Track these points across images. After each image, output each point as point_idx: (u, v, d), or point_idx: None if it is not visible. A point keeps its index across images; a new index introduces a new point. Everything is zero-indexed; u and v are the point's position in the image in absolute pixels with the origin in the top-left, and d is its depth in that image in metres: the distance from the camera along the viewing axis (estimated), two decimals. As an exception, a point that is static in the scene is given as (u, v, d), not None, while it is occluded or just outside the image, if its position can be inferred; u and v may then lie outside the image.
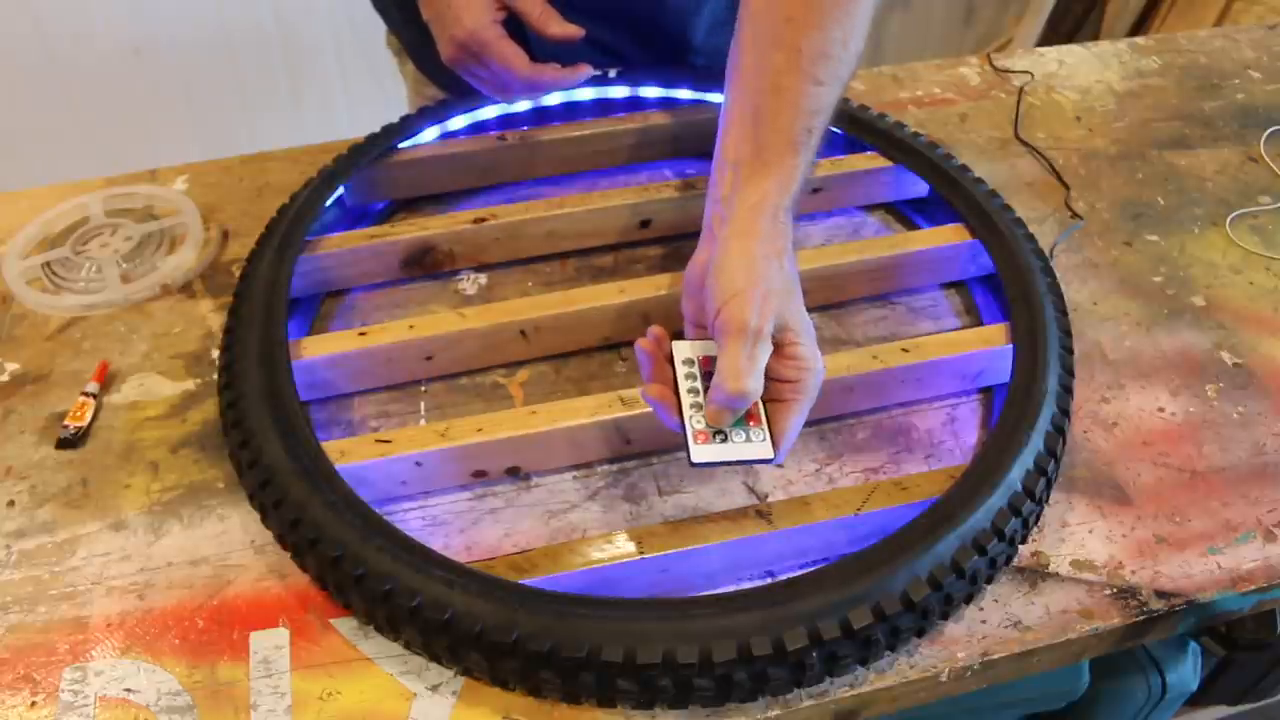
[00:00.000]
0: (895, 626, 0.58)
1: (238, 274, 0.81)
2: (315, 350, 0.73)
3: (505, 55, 0.75)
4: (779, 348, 0.57)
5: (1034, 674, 0.65)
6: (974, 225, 0.82)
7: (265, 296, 0.73)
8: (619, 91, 0.94)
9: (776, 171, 0.60)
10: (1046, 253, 0.84)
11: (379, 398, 0.76)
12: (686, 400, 0.58)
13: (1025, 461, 0.64)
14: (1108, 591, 0.64)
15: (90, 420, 0.73)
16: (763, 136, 0.61)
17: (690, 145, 0.94)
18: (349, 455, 0.66)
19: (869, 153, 0.90)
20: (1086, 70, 1.10)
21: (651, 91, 0.95)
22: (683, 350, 0.60)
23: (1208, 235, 0.90)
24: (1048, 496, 0.67)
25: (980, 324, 0.81)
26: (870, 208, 0.92)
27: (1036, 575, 0.65)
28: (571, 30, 0.77)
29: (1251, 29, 1.18)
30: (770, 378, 0.57)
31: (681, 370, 0.59)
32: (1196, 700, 1.13)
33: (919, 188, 0.90)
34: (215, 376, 0.75)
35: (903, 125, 0.91)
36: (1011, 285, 0.76)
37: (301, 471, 0.62)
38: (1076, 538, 0.67)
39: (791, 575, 0.59)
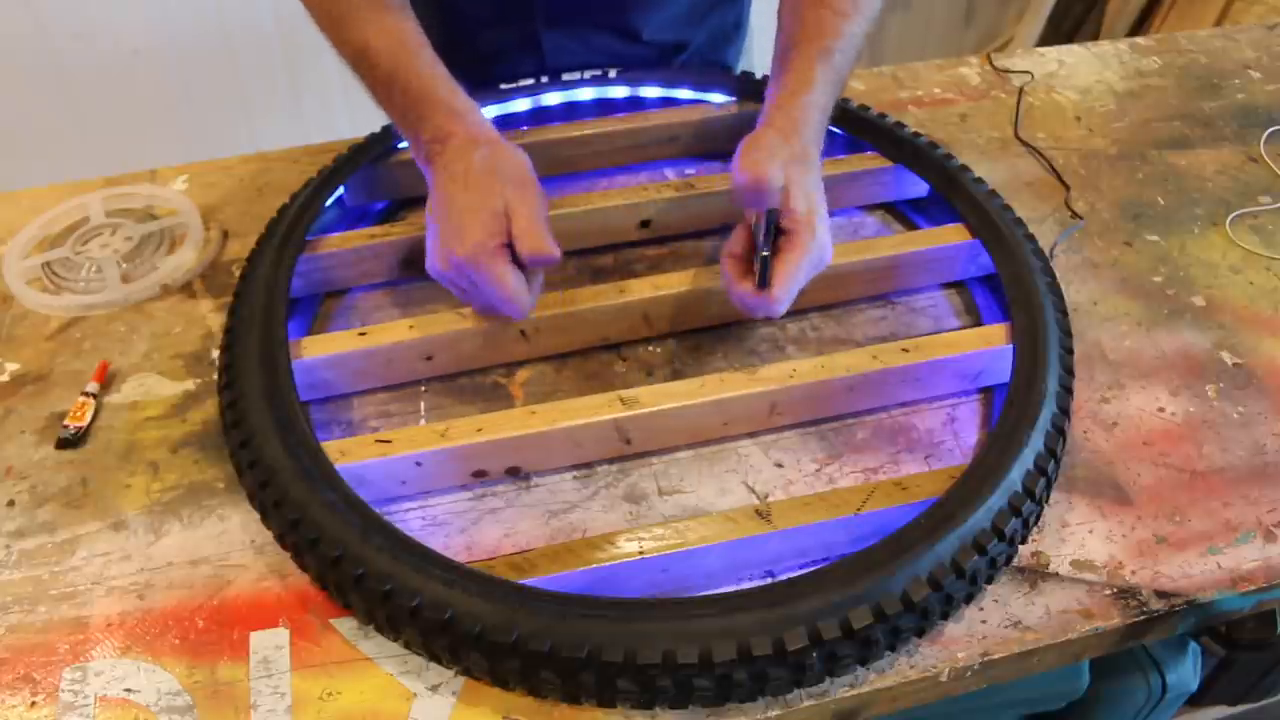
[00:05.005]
0: (895, 626, 0.58)
1: (238, 274, 0.81)
2: (315, 350, 0.73)
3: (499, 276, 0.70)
4: (783, 203, 0.68)
5: (1034, 674, 0.65)
6: (974, 225, 0.82)
7: (265, 296, 0.73)
8: (619, 91, 0.94)
9: (793, 77, 0.74)
10: (1046, 253, 0.84)
11: (379, 398, 0.76)
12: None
13: (1025, 461, 0.64)
14: (1108, 591, 0.64)
15: (90, 420, 0.73)
16: (787, 54, 0.76)
17: (690, 145, 0.94)
18: (349, 455, 0.66)
19: (869, 153, 0.90)
20: (1086, 70, 1.10)
21: (651, 91, 0.95)
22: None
23: (1208, 235, 0.90)
24: (1048, 496, 0.67)
25: (980, 324, 0.81)
26: (870, 208, 0.92)
27: (1036, 575, 0.65)
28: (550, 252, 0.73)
29: (1251, 29, 1.18)
30: (776, 230, 0.69)
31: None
32: (1196, 700, 1.13)
33: (919, 188, 0.90)
34: (215, 376, 0.75)
35: (903, 125, 0.91)
36: (1011, 285, 0.76)
37: (301, 471, 0.62)
38: (1076, 538, 0.67)
39: (791, 575, 0.59)
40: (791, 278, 0.68)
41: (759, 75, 0.92)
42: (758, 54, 1.24)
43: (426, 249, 0.72)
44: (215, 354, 0.78)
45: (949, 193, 0.85)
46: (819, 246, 0.69)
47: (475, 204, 0.69)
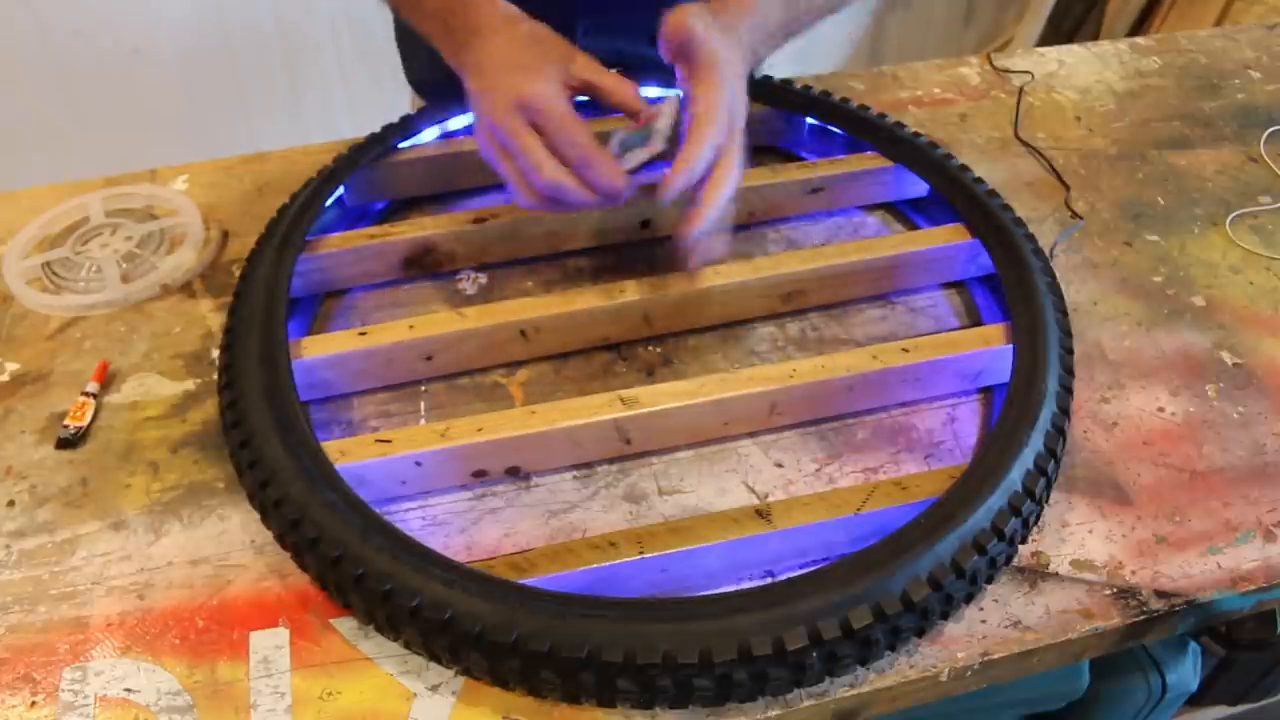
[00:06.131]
0: (895, 626, 0.58)
1: (238, 274, 0.81)
2: (315, 350, 0.73)
3: (570, 124, 0.66)
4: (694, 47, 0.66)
5: (1034, 674, 0.65)
6: (974, 225, 0.82)
7: (265, 296, 0.73)
8: (619, 91, 0.94)
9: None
10: (1046, 253, 0.84)
11: (379, 398, 0.76)
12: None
13: (1025, 461, 0.64)
14: (1108, 591, 0.64)
15: (90, 420, 0.73)
16: None
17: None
18: (349, 455, 0.66)
19: (869, 153, 0.90)
20: (1086, 70, 1.10)
21: (651, 91, 0.95)
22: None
23: (1208, 235, 0.90)
24: (1048, 496, 0.67)
25: (980, 324, 0.81)
26: (870, 208, 0.92)
27: (1036, 575, 0.65)
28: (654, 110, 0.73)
29: (1251, 29, 1.18)
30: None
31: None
32: (1196, 700, 1.13)
33: (919, 188, 0.90)
34: (215, 376, 0.75)
35: (903, 125, 0.91)
36: (1011, 285, 0.76)
37: (301, 471, 0.62)
38: (1076, 538, 0.67)
39: (791, 575, 0.59)
40: (711, 110, 0.65)
41: (757, 76, 0.92)
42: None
43: (475, 124, 0.67)
44: (215, 354, 0.78)
45: (949, 193, 0.85)
46: (730, 92, 0.66)
47: (536, 53, 0.65)
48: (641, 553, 0.62)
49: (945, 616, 0.61)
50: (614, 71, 0.69)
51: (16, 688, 0.60)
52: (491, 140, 0.68)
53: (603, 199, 0.66)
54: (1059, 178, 0.95)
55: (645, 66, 0.95)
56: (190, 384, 0.76)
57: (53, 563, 0.66)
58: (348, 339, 0.74)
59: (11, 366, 0.78)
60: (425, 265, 0.84)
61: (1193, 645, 0.98)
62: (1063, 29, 2.42)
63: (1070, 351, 0.73)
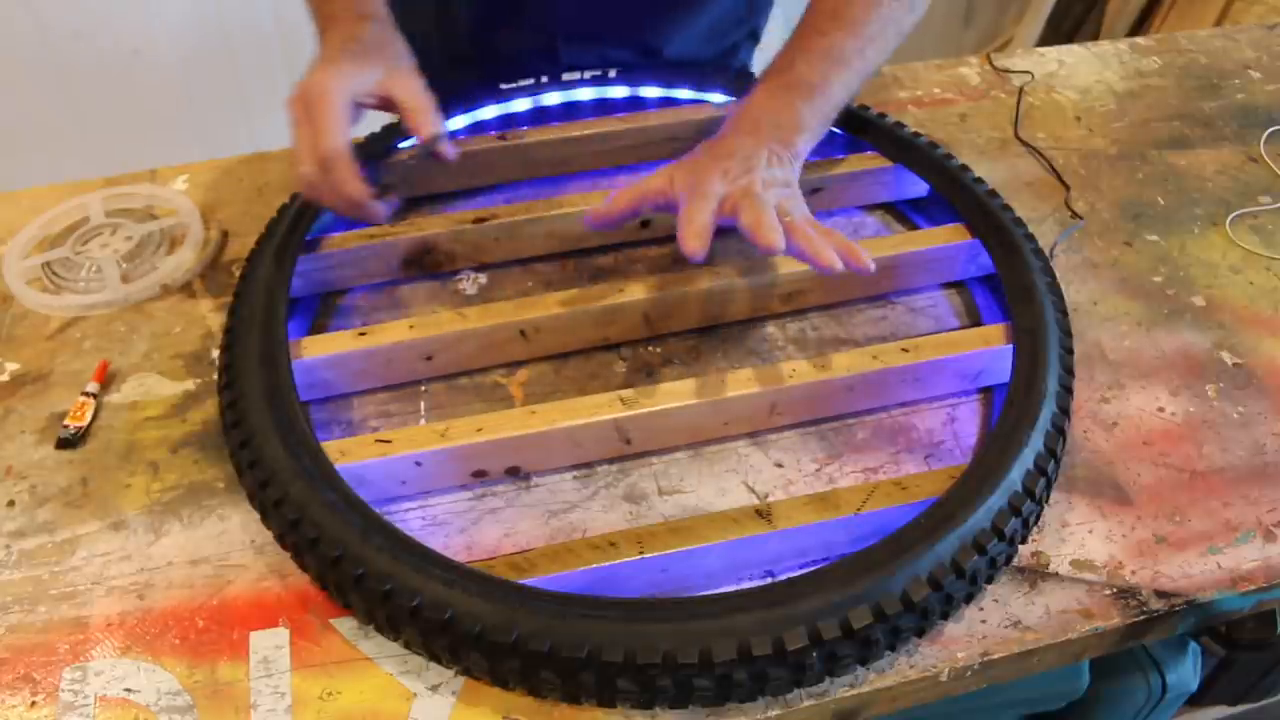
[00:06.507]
0: (895, 626, 0.58)
1: (238, 274, 0.81)
2: (315, 350, 0.73)
3: (330, 128, 0.67)
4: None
5: (1034, 674, 0.65)
6: (974, 225, 0.82)
7: (265, 296, 0.73)
8: (619, 91, 0.94)
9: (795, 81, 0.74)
10: (1046, 253, 0.84)
11: (379, 398, 0.76)
12: None
13: (1025, 461, 0.64)
14: (1108, 591, 0.64)
15: (90, 420, 0.73)
16: (794, 56, 0.76)
17: (690, 145, 0.94)
18: (349, 455, 0.66)
19: (869, 153, 0.90)
20: (1086, 70, 1.10)
21: (651, 91, 0.95)
22: None
23: (1208, 235, 0.90)
24: (1048, 496, 0.67)
25: (980, 324, 0.81)
26: (870, 208, 0.92)
27: (1036, 575, 0.65)
28: (439, 137, 0.74)
29: (1251, 29, 1.18)
30: None
31: None
32: (1196, 700, 1.13)
33: (919, 188, 0.90)
34: (215, 376, 0.75)
35: (903, 125, 0.91)
36: (1011, 285, 0.76)
37: (301, 471, 0.62)
38: (1076, 538, 0.67)
39: (791, 575, 0.59)
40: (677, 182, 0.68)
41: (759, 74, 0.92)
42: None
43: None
44: (215, 354, 0.78)
45: (949, 193, 0.85)
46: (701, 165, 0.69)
47: (355, 55, 0.66)
48: (641, 553, 0.62)
49: (945, 616, 0.61)
50: (428, 100, 0.69)
51: (16, 688, 0.60)
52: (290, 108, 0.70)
53: (349, 207, 0.67)
54: (1059, 178, 0.95)
55: (627, 70, 0.95)
56: (190, 384, 0.76)
57: (53, 563, 0.66)
58: (348, 339, 0.74)
59: (11, 366, 0.78)
60: (425, 265, 0.84)
61: (1193, 645, 0.98)
62: (1063, 29, 2.42)
63: (1070, 351, 0.73)
